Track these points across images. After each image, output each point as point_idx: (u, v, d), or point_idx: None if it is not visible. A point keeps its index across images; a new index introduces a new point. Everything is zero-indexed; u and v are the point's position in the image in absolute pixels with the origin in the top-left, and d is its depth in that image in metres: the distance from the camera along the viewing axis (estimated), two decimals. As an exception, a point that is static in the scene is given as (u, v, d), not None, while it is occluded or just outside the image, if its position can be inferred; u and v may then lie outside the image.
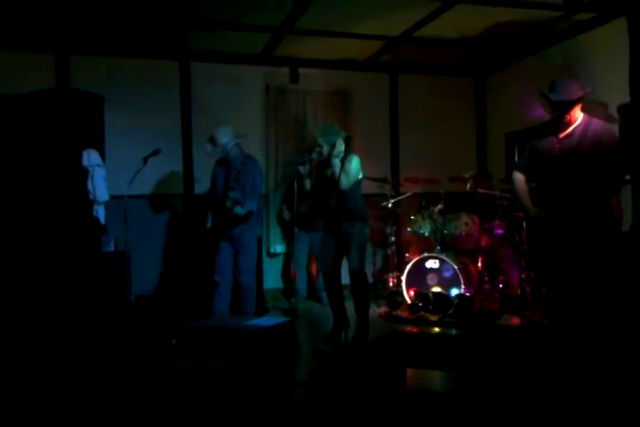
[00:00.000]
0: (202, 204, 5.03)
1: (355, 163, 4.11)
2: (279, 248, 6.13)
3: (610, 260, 3.48)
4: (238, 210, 4.51)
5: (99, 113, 5.14)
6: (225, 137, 4.64)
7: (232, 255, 4.69)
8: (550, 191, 3.63)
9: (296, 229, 5.33)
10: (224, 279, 4.69)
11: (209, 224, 4.80)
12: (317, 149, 4.18)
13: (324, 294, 5.31)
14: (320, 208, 4.32)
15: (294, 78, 6.27)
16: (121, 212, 4.43)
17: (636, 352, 3.13)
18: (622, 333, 3.35)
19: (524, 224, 4.80)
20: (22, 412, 2.88)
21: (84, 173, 4.85)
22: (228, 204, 4.53)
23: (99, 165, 4.89)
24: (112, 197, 4.93)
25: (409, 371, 3.26)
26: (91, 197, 4.87)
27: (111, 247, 5.06)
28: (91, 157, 4.85)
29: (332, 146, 4.08)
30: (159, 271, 5.82)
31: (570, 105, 3.48)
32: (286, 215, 5.83)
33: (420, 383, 3.29)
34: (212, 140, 4.70)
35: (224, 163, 4.78)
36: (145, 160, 4.58)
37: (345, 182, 4.05)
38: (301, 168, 4.23)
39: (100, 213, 4.90)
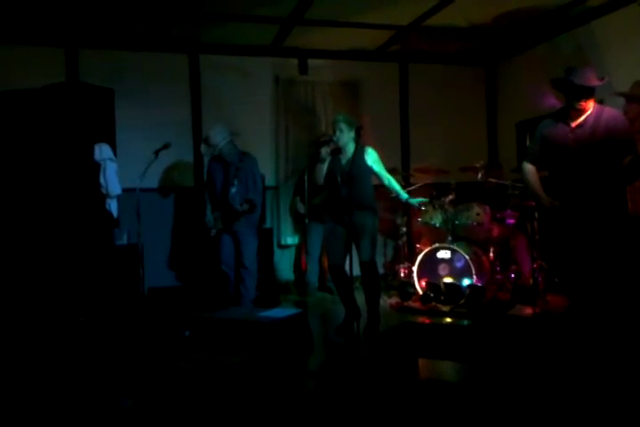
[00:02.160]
0: (201, 198, 5.12)
1: (375, 154, 4.16)
2: (290, 240, 6.15)
3: (626, 249, 3.47)
4: (244, 207, 4.62)
5: (109, 107, 5.15)
6: (218, 136, 4.73)
7: (233, 246, 4.87)
8: (564, 181, 3.61)
9: (307, 221, 5.34)
10: (232, 269, 4.88)
11: (210, 219, 4.88)
12: (337, 132, 4.14)
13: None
14: (330, 198, 4.31)
15: (303, 69, 6.25)
16: (133, 205, 4.46)
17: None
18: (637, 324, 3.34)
19: (536, 214, 4.77)
20: (36, 404, 2.92)
21: (96, 167, 4.88)
22: (238, 206, 4.61)
23: (110, 159, 4.91)
24: (124, 191, 4.97)
25: (421, 362, 3.27)
26: (103, 190, 4.91)
27: (124, 240, 5.12)
28: (102, 151, 4.88)
29: (356, 133, 4.04)
30: (172, 263, 5.87)
31: (590, 91, 3.45)
32: (300, 208, 5.83)
33: (433, 374, 3.30)
34: (207, 141, 4.80)
35: (220, 159, 4.88)
36: (156, 153, 4.60)
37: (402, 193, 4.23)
38: (323, 150, 4.21)
39: (113, 206, 4.94)
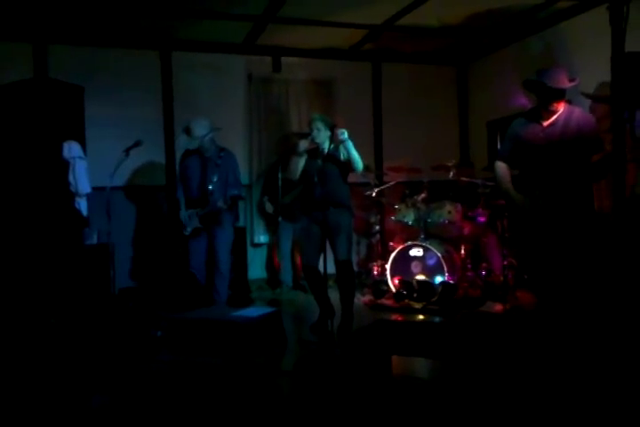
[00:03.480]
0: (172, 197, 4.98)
1: None
2: (263, 238, 6.14)
3: (593, 246, 3.55)
4: (220, 204, 4.51)
5: (79, 104, 5.06)
6: (202, 130, 4.61)
7: (206, 247, 4.72)
8: (534, 179, 3.67)
9: (280, 219, 5.33)
10: (201, 272, 4.73)
11: (185, 217, 4.74)
12: (315, 131, 4.14)
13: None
14: (305, 197, 4.31)
15: (277, 67, 6.24)
16: (103, 204, 4.38)
17: (619, 339, 3.19)
18: (607, 320, 3.41)
19: (506, 212, 4.85)
20: (8, 404, 2.87)
21: (64, 166, 4.79)
22: (222, 204, 4.49)
23: (80, 157, 4.83)
24: (94, 189, 4.89)
25: (394, 359, 3.29)
26: (72, 189, 4.82)
27: (94, 240, 5.04)
28: (71, 149, 4.80)
29: (331, 131, 4.06)
30: (142, 263, 5.79)
31: (561, 93, 3.52)
32: (268, 208, 5.82)
33: (406, 371, 3.33)
34: (188, 132, 4.66)
35: (197, 154, 4.74)
36: (127, 152, 4.52)
37: (360, 164, 4.04)
38: (301, 143, 4.18)
39: (82, 205, 4.86)
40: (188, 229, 4.73)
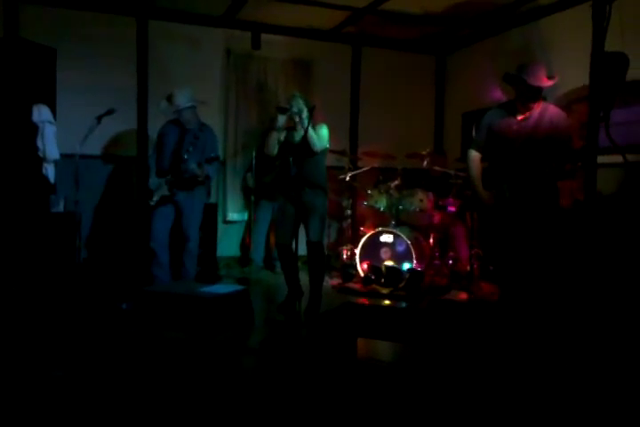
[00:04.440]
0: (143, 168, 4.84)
1: (326, 131, 4.11)
2: (236, 216, 6.07)
3: (556, 241, 3.63)
4: (193, 167, 4.40)
5: (51, 66, 4.87)
6: (183, 98, 4.52)
7: (172, 221, 4.58)
8: (503, 172, 3.72)
9: (253, 198, 5.26)
10: (161, 247, 4.57)
11: (154, 183, 4.61)
12: (295, 109, 4.06)
13: (278, 264, 5.32)
14: (281, 176, 4.28)
15: (256, 44, 6.12)
16: (72, 171, 4.25)
17: (580, 329, 3.29)
18: (569, 312, 3.51)
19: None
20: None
21: (33, 129, 4.62)
22: (194, 167, 4.38)
23: (49, 122, 4.66)
24: (63, 156, 4.74)
25: (360, 341, 3.32)
26: (40, 154, 4.65)
27: (60, 208, 4.90)
28: (41, 113, 4.62)
29: (310, 110, 4.02)
30: (109, 234, 5.66)
31: (540, 90, 3.57)
32: (251, 183, 5.76)
33: (370, 353, 3.36)
34: (170, 98, 4.56)
35: (177, 124, 4.65)
36: (99, 119, 4.39)
37: (317, 144, 4.00)
38: (280, 118, 4.11)
39: (50, 171, 4.70)
40: (154, 199, 4.54)
